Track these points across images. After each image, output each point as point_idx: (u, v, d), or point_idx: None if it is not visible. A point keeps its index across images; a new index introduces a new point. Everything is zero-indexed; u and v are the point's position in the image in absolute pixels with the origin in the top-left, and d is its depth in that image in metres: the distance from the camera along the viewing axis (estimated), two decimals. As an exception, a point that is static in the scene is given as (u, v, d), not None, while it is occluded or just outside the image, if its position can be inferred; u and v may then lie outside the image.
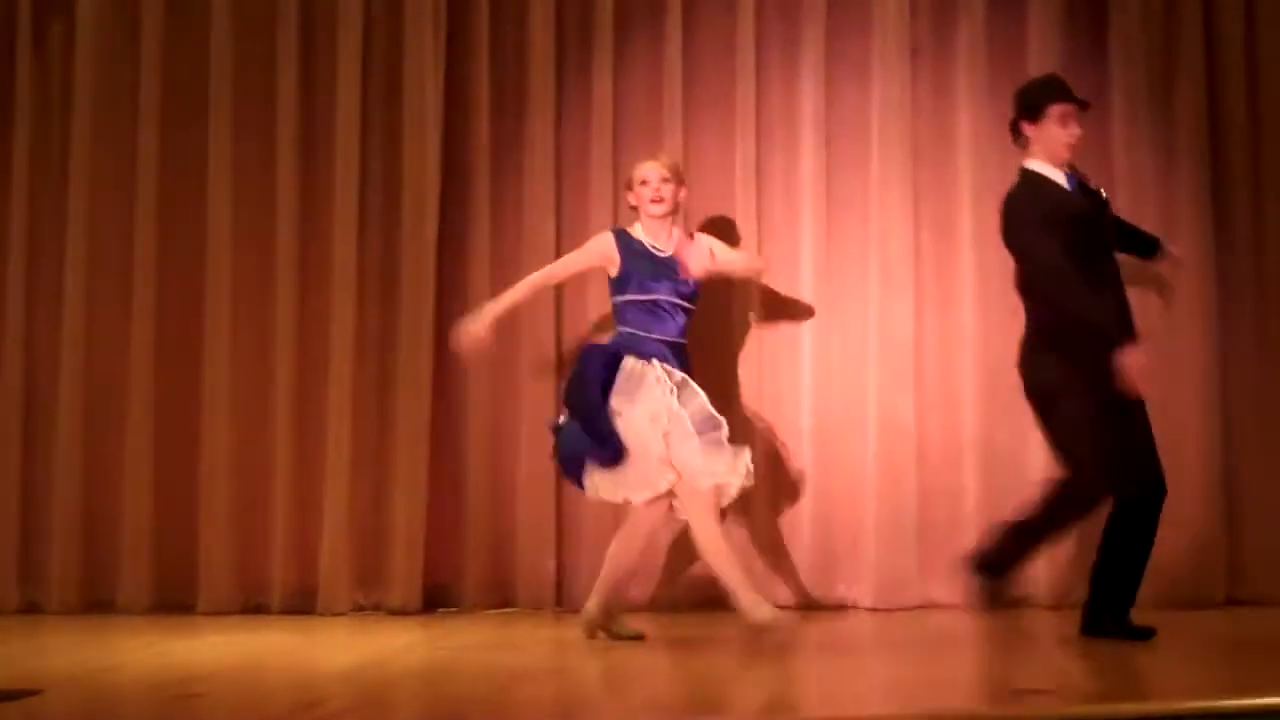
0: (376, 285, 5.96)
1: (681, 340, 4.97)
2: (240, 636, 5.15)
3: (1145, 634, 4.60)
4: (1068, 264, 4.58)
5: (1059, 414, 4.67)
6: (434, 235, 5.91)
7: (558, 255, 5.85)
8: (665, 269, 4.97)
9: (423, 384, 5.85)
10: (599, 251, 5.08)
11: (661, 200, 5.00)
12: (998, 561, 4.70)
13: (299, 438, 5.90)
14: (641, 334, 4.92)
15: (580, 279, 5.62)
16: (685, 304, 4.99)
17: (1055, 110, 4.72)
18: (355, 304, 5.91)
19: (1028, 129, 4.77)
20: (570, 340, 5.86)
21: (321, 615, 5.73)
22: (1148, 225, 5.41)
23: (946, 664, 4.44)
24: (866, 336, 5.86)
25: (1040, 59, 5.83)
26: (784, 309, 5.89)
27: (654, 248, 5.00)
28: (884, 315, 5.83)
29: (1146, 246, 5.11)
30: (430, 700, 3.95)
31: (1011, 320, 5.64)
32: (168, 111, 6.02)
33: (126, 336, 5.94)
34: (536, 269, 5.70)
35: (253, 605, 5.83)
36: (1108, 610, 4.66)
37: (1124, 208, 5.50)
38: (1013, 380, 5.69)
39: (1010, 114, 4.87)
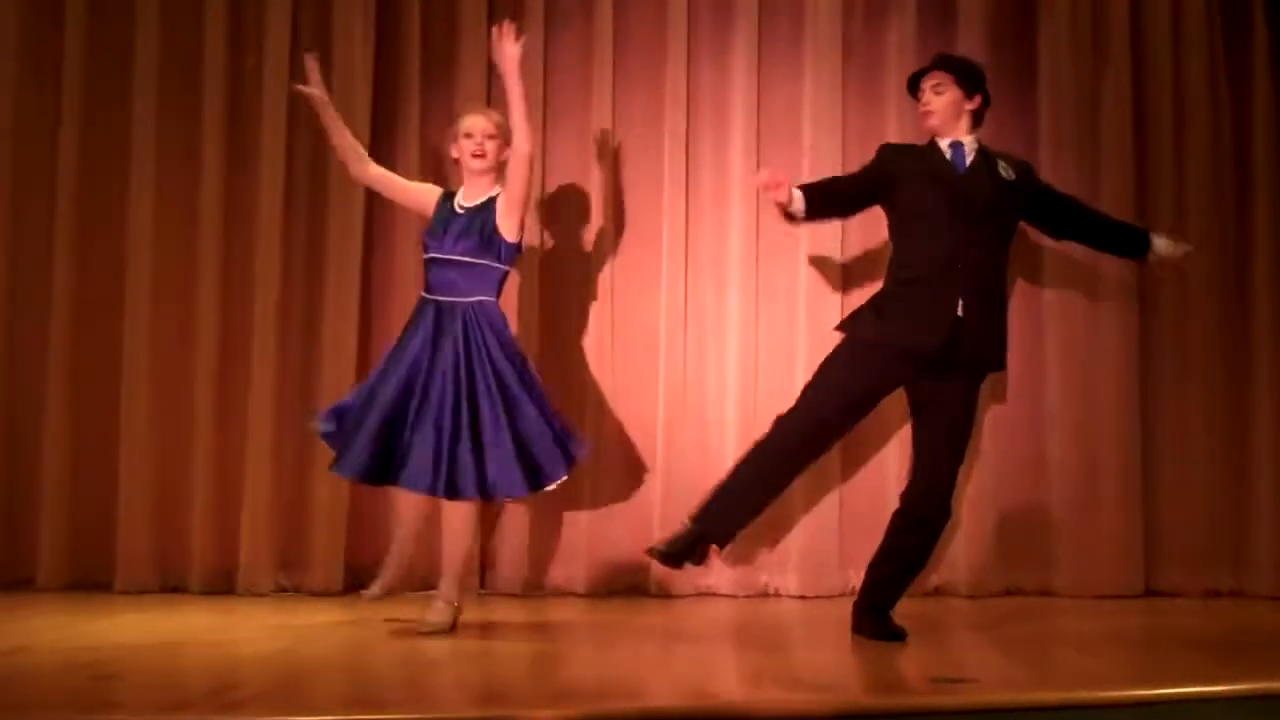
0: (302, 260, 5.88)
1: None
2: (157, 617, 5.08)
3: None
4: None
5: None
6: (362, 208, 5.84)
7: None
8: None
9: (348, 361, 5.77)
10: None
11: (483, 155, 4.90)
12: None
13: (220, 414, 5.80)
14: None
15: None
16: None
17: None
18: (280, 279, 5.82)
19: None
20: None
21: (242, 596, 5.66)
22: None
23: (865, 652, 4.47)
24: (796, 327, 5.89)
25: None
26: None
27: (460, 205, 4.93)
28: (811, 307, 5.87)
29: (1124, 243, 5.10)
30: (349, 684, 3.93)
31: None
32: (91, 89, 5.88)
33: (46, 312, 5.79)
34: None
35: (171, 585, 5.74)
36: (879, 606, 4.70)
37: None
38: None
39: None
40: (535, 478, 4.71)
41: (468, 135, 4.91)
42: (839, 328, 4.82)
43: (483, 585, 5.82)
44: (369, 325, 5.84)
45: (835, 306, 5.76)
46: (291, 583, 5.78)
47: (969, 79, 4.80)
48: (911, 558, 4.73)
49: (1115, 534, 5.73)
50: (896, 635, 4.55)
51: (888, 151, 4.94)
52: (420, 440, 4.64)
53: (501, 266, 4.86)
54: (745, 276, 5.90)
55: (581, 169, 5.94)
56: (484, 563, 5.82)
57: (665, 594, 5.72)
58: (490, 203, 4.87)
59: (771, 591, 5.82)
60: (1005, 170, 4.77)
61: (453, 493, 4.64)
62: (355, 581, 5.73)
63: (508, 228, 4.82)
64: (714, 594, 5.77)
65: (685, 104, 5.93)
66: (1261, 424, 5.82)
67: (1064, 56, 5.98)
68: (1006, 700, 3.40)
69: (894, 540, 4.72)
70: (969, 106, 4.78)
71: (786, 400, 4.81)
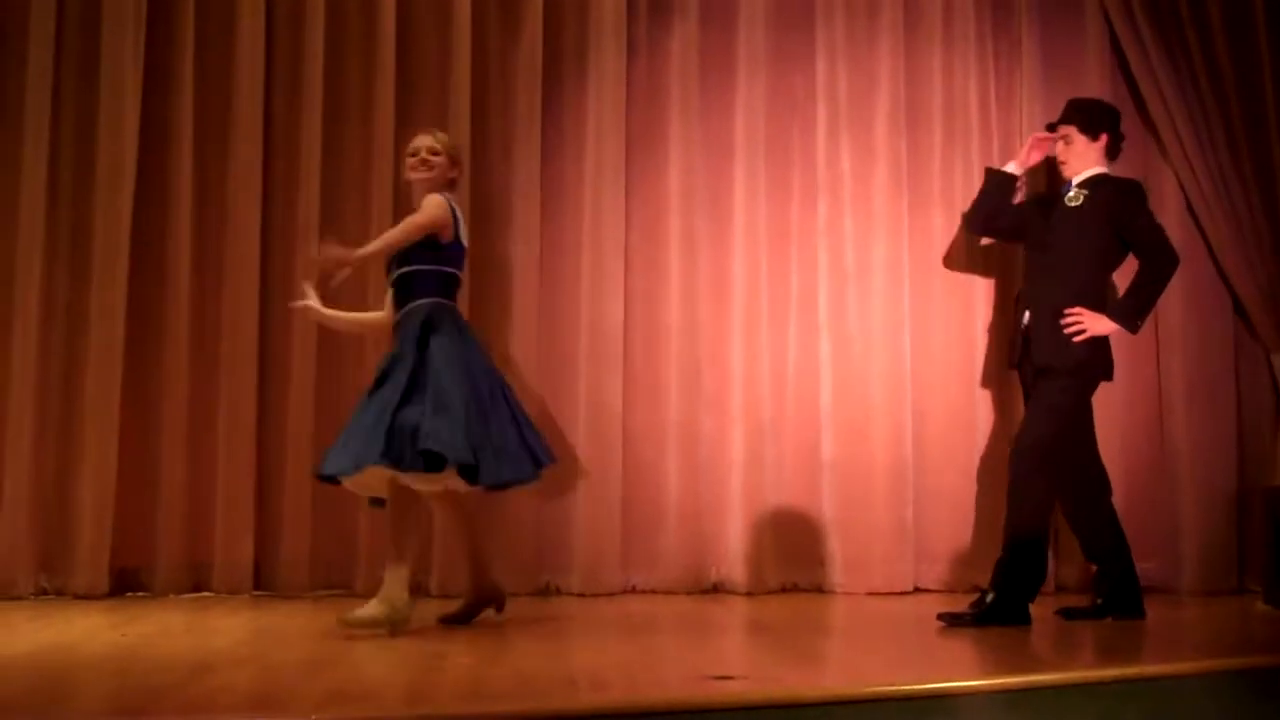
0: (66, 253, 5.73)
1: None
2: (-91, 620, 4.86)
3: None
4: None
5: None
6: (129, 207, 5.71)
7: (263, 234, 5.74)
8: None
9: (114, 357, 5.65)
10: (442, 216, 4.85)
11: (422, 168, 4.91)
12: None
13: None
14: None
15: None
16: None
17: None
18: (42, 271, 5.67)
19: None
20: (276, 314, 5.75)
21: (-1, 599, 5.47)
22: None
23: (645, 649, 4.50)
24: (578, 325, 5.92)
25: (748, 60, 6.06)
26: (500, 303, 5.92)
27: None
28: (594, 305, 5.91)
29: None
30: (113, 690, 3.80)
31: (716, 308, 5.82)
32: None
33: None
34: (241, 246, 5.60)
35: (-76, 589, 5.50)
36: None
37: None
38: (716, 369, 5.87)
39: None
40: None
41: (412, 154, 4.94)
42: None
43: (258, 586, 5.71)
44: (135, 316, 5.70)
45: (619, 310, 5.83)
46: (54, 585, 5.59)
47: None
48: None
49: (886, 532, 5.88)
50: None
51: None
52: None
53: None
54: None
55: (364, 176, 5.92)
56: (258, 563, 5.72)
57: (445, 594, 5.69)
58: None
59: (552, 589, 5.83)
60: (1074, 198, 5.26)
61: None
62: (122, 584, 5.59)
63: None
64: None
65: (469, 106, 5.90)
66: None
67: (840, 53, 6.14)
68: (775, 697, 3.46)
69: None
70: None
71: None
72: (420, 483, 4.63)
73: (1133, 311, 5.18)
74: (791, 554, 5.94)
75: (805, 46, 6.17)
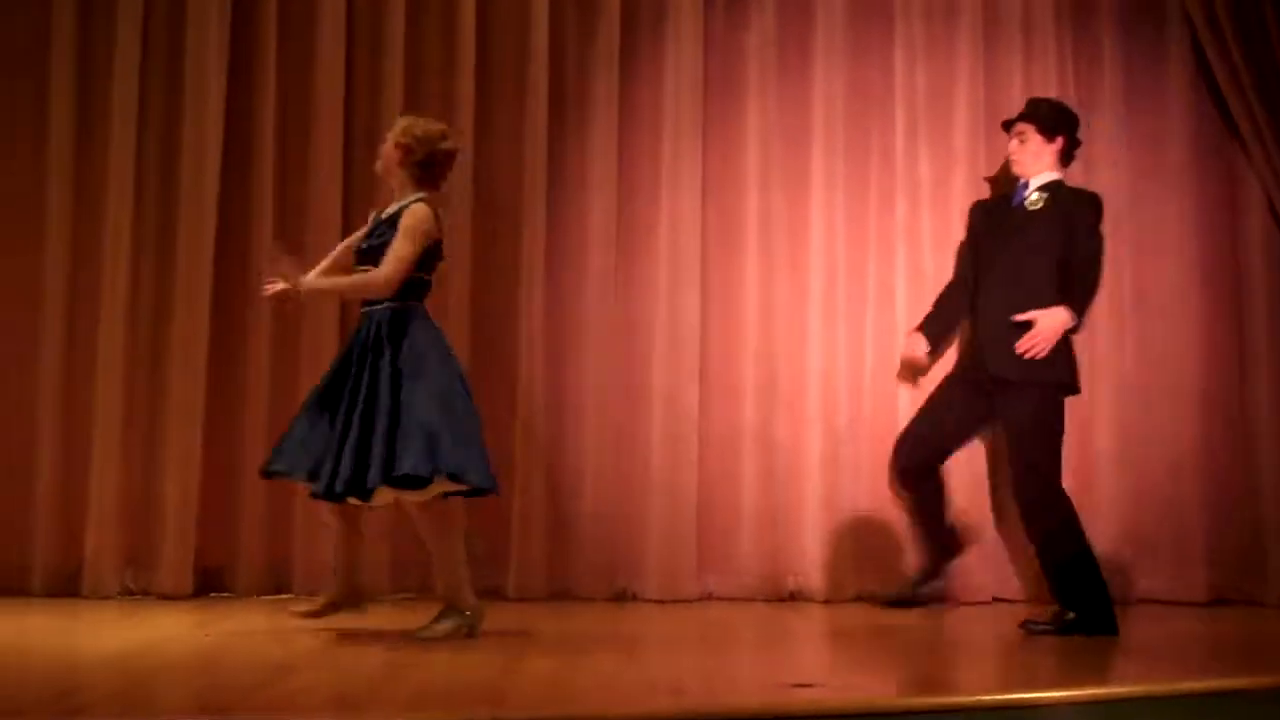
0: (152, 254, 5.80)
1: None
2: (-3, 620, 4.93)
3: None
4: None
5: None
6: (213, 203, 5.77)
7: (344, 227, 5.80)
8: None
9: (197, 358, 5.71)
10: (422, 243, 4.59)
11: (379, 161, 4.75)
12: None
13: (65, 411, 5.70)
14: None
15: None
16: None
17: None
18: (128, 272, 5.74)
19: None
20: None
21: (87, 599, 5.54)
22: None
23: (722, 656, 4.50)
24: (654, 326, 5.93)
25: (826, 56, 6.06)
26: (576, 302, 5.93)
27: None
28: (671, 306, 5.92)
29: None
30: (196, 690, 3.86)
31: (792, 311, 5.80)
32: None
33: None
34: (323, 239, 5.66)
35: (13, 587, 5.55)
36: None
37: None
38: (792, 371, 5.85)
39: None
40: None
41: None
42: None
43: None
44: (219, 316, 5.77)
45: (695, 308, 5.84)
46: (139, 585, 5.67)
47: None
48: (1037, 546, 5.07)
49: (964, 541, 5.83)
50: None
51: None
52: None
53: None
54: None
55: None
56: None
57: (524, 598, 5.71)
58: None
59: (629, 595, 5.84)
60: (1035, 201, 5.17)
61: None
62: (205, 584, 5.66)
63: None
64: (573, 597, 5.78)
65: (546, 99, 5.94)
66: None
67: (919, 53, 6.13)
68: (853, 705, 3.45)
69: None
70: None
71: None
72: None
73: (1081, 306, 5.03)
74: (869, 561, 5.90)
75: (883, 44, 6.14)
